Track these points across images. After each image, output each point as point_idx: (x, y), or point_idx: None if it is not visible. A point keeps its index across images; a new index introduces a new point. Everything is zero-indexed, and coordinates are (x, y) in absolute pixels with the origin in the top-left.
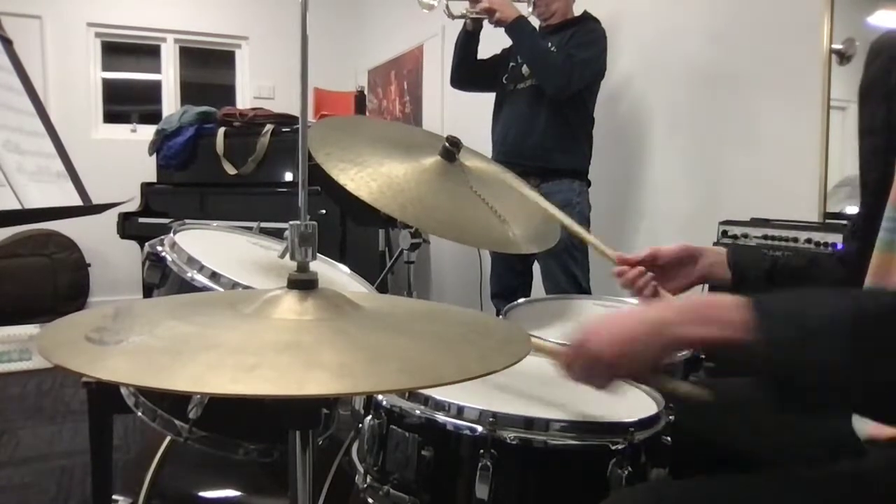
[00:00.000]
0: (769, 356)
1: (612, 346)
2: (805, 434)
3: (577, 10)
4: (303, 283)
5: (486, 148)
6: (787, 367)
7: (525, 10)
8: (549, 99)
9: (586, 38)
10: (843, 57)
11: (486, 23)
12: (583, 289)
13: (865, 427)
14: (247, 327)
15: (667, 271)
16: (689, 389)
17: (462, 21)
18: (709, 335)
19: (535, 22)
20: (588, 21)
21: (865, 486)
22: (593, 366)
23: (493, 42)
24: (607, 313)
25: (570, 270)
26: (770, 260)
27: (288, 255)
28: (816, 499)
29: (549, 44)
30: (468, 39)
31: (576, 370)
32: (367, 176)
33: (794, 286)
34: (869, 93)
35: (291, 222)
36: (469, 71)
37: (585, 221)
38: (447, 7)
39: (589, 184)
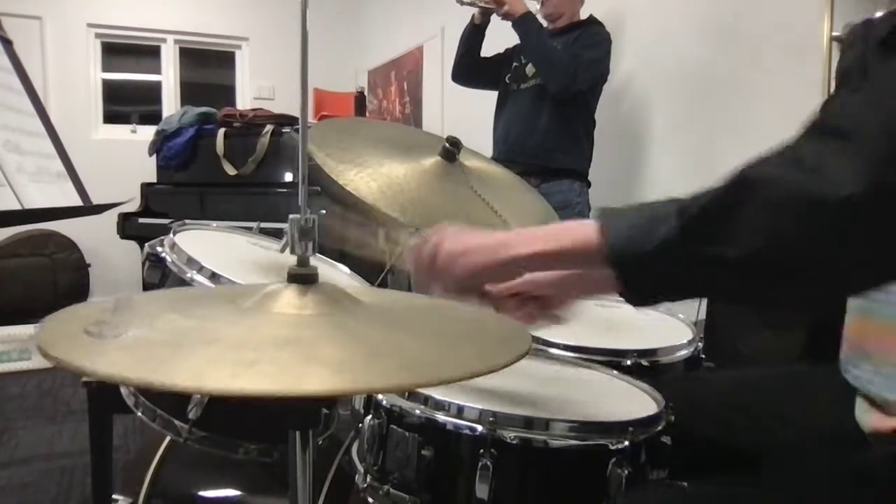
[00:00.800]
0: (611, 254)
1: (453, 246)
2: (807, 428)
3: (583, 14)
4: (303, 278)
5: (487, 148)
6: (629, 258)
7: (533, 8)
8: (552, 99)
9: (591, 39)
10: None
11: (493, 18)
12: None
13: (869, 420)
14: (247, 321)
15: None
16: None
17: (470, 12)
18: (547, 248)
19: (542, 22)
20: (593, 25)
21: (868, 481)
22: (431, 261)
23: (496, 43)
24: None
25: None
26: None
27: (288, 250)
28: (819, 494)
29: (555, 44)
30: (474, 33)
31: (418, 264)
32: (368, 176)
33: None
34: (847, 76)
35: (292, 216)
36: (472, 66)
37: None
38: None
39: (589, 184)
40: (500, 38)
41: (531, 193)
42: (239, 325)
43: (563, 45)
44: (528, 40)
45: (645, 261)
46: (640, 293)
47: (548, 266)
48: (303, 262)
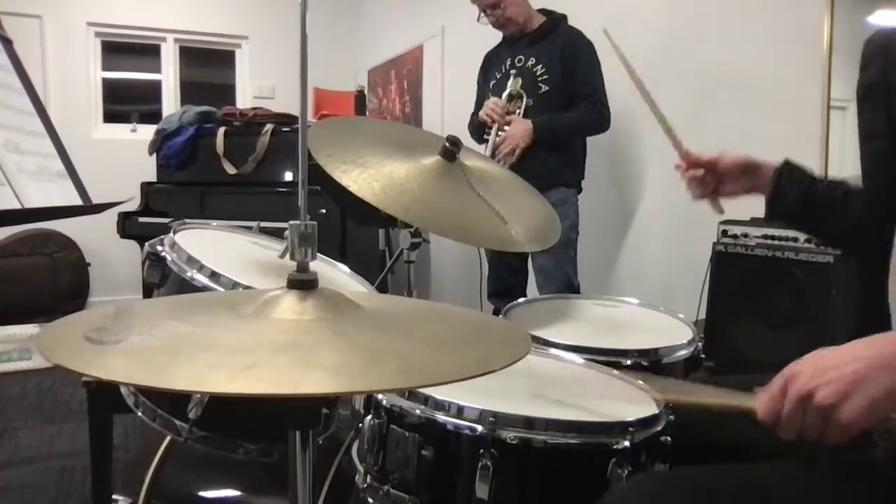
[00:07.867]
0: None
1: (831, 384)
2: None
3: (574, 14)
4: (302, 283)
5: None
6: None
7: (483, 20)
8: (541, 111)
9: (590, 65)
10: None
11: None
12: (573, 285)
13: None
14: (246, 327)
15: (723, 177)
16: None
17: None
18: None
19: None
20: (577, 35)
21: (868, 477)
22: (805, 408)
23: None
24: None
25: (564, 268)
26: (808, 185)
27: (288, 255)
28: (819, 492)
29: (541, 66)
30: (480, 127)
31: (785, 419)
32: (370, 177)
33: (824, 214)
34: (868, 95)
35: (291, 222)
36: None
37: (574, 227)
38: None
39: (580, 190)
40: (493, 43)
41: (530, 193)
42: (238, 331)
43: (547, 55)
44: (558, 134)
45: None
46: None
47: None
48: (302, 267)
